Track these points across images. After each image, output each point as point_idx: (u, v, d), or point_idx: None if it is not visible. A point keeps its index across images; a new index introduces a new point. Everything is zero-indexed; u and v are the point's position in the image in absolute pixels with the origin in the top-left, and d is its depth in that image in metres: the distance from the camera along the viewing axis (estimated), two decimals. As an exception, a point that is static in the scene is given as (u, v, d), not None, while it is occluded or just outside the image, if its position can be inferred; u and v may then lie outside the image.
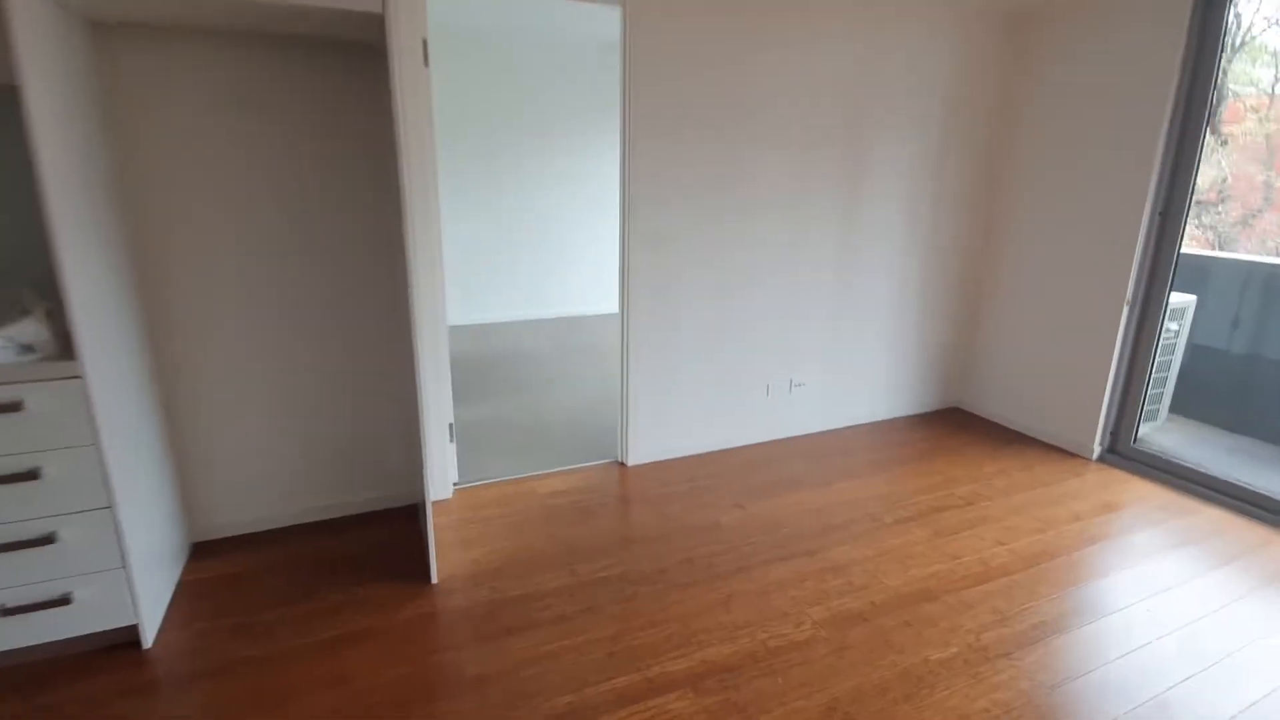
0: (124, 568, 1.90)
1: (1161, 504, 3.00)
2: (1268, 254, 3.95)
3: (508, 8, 4.97)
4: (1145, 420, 3.45)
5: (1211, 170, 3.81)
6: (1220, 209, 4.14)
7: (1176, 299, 3.55)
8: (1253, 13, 3.00)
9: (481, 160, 5.82)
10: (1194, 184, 3.12)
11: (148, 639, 1.97)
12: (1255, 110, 3.85)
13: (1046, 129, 3.50)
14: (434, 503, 2.84)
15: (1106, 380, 3.34)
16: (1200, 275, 3.98)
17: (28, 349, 1.75)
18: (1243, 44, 3.35)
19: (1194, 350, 3.94)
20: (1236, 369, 3.97)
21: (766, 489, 3.03)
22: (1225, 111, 3.70)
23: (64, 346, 1.77)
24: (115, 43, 2.10)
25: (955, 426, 3.83)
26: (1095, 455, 3.43)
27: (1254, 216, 4.13)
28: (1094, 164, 3.31)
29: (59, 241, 1.66)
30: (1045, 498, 3.01)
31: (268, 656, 1.95)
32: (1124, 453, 3.40)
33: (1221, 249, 4.13)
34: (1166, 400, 3.86)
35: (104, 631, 1.93)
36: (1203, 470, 3.12)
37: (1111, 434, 3.44)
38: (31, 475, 1.74)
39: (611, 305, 6.65)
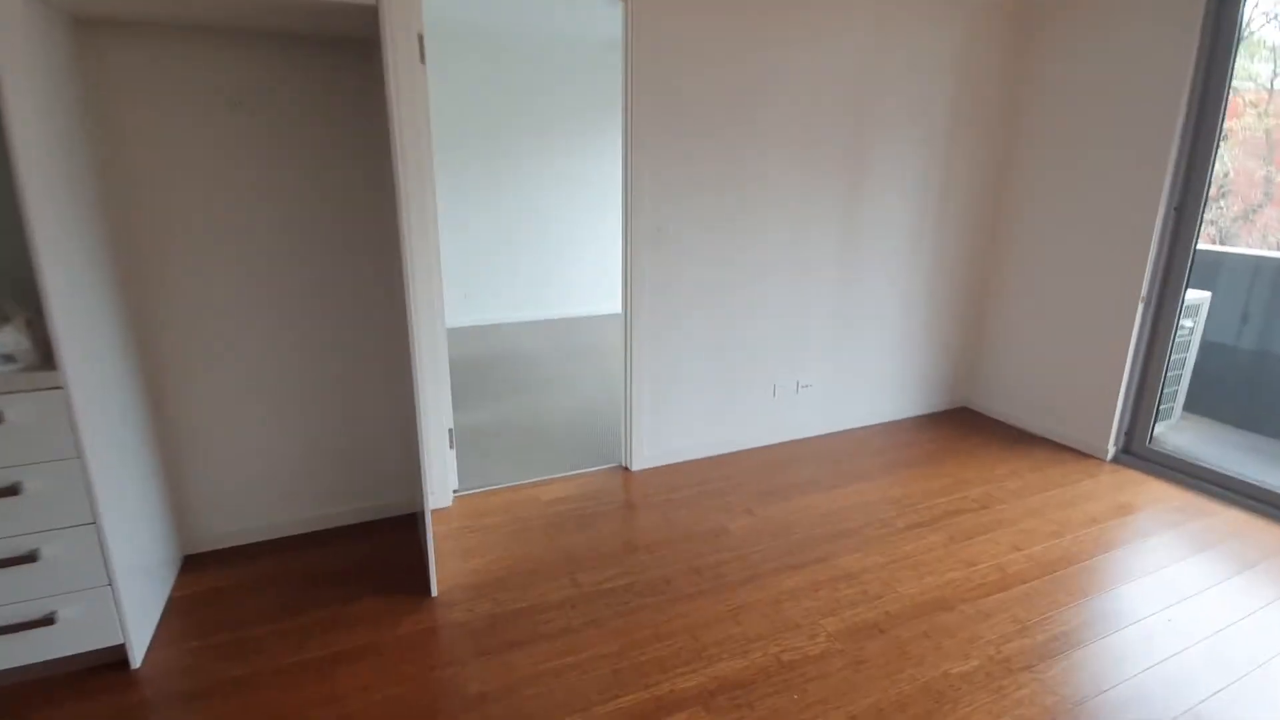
0: (110, 585, 1.82)
1: (1178, 505, 2.92)
2: (1269, 249, 3.89)
3: (507, 4, 4.90)
4: (1159, 419, 3.37)
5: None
6: (1221, 204, 4.09)
7: (1191, 295, 3.48)
8: (1251, 7, 2.95)
9: (481, 160, 5.74)
10: (1210, 179, 3.04)
11: (136, 659, 1.89)
12: (1254, 105, 3.80)
13: (1055, 124, 3.43)
14: (434, 511, 2.77)
15: (1121, 379, 3.26)
16: (1209, 271, 3.91)
17: (8, 359, 1.68)
18: (1241, 39, 3.30)
19: (1205, 347, 3.87)
20: (1247, 365, 3.90)
21: (775, 493, 2.95)
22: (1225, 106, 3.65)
23: (45, 356, 1.70)
24: (101, 39, 2.03)
25: (964, 427, 3.75)
26: (1109, 456, 3.35)
27: (1254, 211, 4.08)
28: (1105, 160, 3.23)
29: (39, 246, 1.59)
30: (1060, 500, 2.93)
31: (260, 675, 1.87)
32: (1139, 453, 3.33)
33: (1222, 244, 4.07)
34: (1181, 398, 3.79)
35: (90, 652, 1.85)
36: (1220, 470, 3.05)
37: (1126, 434, 3.36)
38: (12, 490, 1.67)
39: (612, 305, 6.58)
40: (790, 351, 3.42)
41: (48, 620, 1.76)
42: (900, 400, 3.84)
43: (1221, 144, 3.01)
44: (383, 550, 2.49)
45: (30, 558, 1.71)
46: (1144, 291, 3.16)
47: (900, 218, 3.51)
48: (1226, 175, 3.95)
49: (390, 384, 2.61)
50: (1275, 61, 3.63)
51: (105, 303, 1.97)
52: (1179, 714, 1.79)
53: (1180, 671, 1.95)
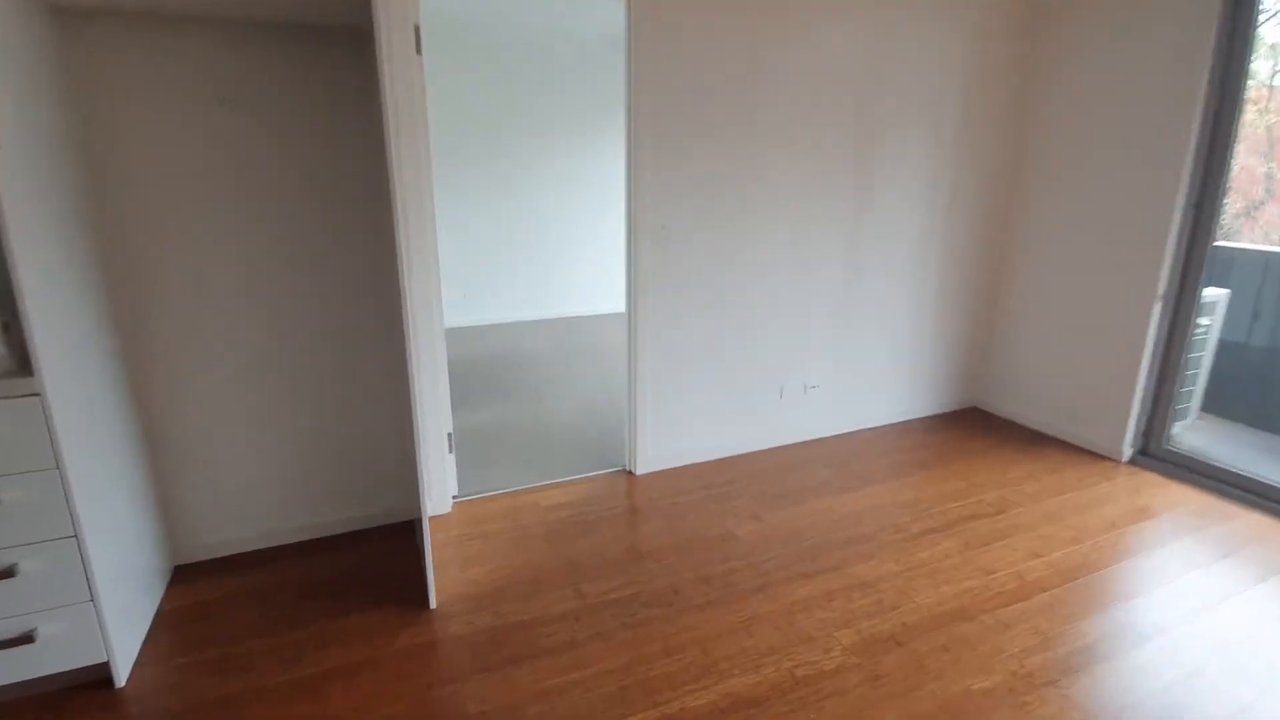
0: (92, 601, 1.74)
1: (1198, 509, 2.84)
2: (1271, 245, 3.81)
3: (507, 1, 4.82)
4: (1175, 419, 3.29)
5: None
6: (1223, 201, 4.04)
7: (1208, 293, 3.39)
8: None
9: (481, 158, 5.66)
10: (1227, 175, 2.96)
11: (120, 677, 1.81)
12: (1255, 103, 3.74)
13: (1067, 120, 3.34)
14: (433, 518, 2.69)
15: (1137, 379, 3.18)
16: (1221, 268, 3.82)
17: (-19, 364, 1.59)
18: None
19: (1220, 345, 3.78)
20: (1263, 364, 3.81)
21: (784, 497, 2.87)
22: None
23: (21, 361, 1.61)
24: (85, 31, 1.94)
25: (976, 428, 3.67)
26: (1126, 457, 3.27)
27: (1256, 208, 4.03)
28: (1119, 156, 3.14)
29: (14, 248, 1.50)
30: (1077, 504, 2.85)
31: (250, 694, 1.79)
32: (1156, 454, 3.24)
33: (1224, 241, 4.00)
34: (1197, 398, 3.70)
35: (72, 670, 1.77)
36: (1240, 472, 2.96)
37: (1143, 435, 3.28)
38: (-14, 503, 1.59)
39: (612, 305, 6.49)
40: (796, 352, 3.34)
41: (27, 638, 1.68)
42: (909, 400, 3.75)
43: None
44: (379, 559, 2.41)
45: (8, 573, 1.63)
46: (1161, 289, 3.08)
47: (909, 215, 3.42)
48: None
49: (387, 386, 2.53)
50: (1276, 58, 3.57)
51: (89, 304, 1.89)
52: (1213, 732, 1.71)
53: (1207, 684, 1.87)
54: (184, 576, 2.31)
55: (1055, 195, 3.44)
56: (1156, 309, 3.10)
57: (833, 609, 2.14)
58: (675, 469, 3.14)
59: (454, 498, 2.83)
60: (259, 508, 2.45)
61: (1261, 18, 2.81)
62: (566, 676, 1.85)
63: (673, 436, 3.13)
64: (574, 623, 2.08)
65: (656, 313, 2.96)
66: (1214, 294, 3.57)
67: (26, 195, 1.57)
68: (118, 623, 1.82)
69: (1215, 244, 3.03)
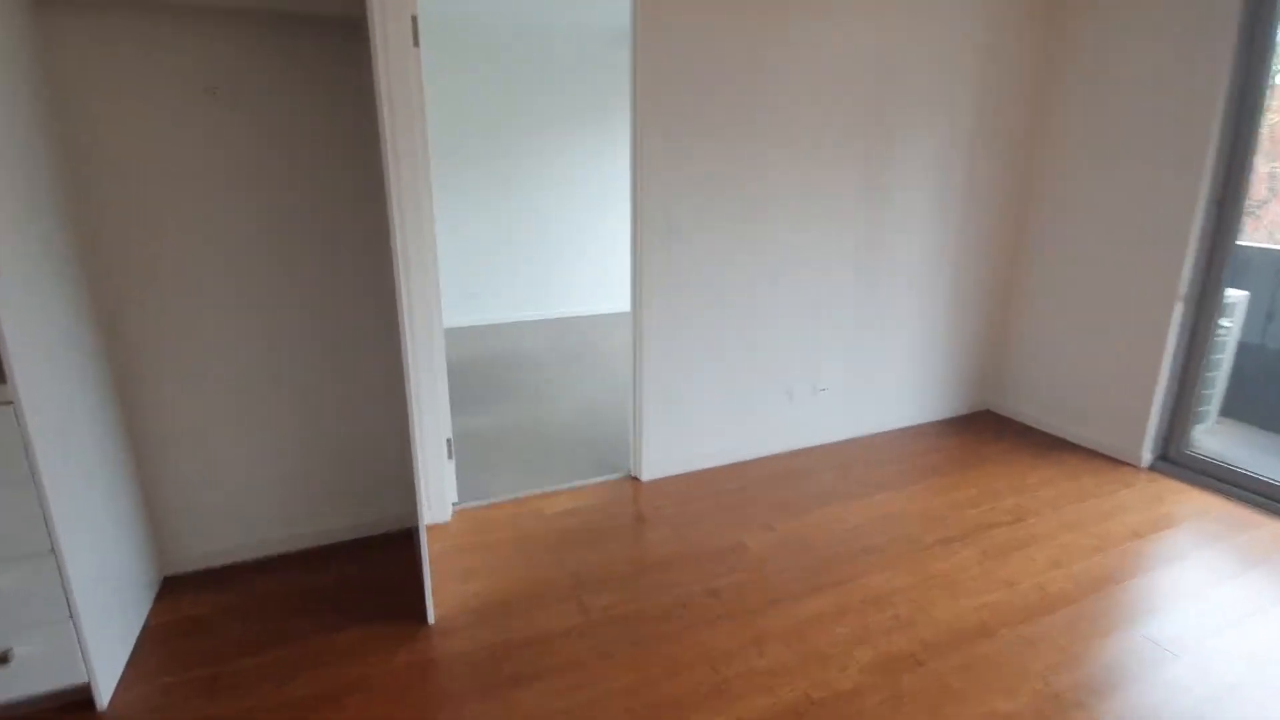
0: (71, 619, 1.65)
1: (1220, 517, 2.75)
2: (1277, 244, 3.73)
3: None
4: (1194, 424, 3.19)
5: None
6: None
7: (1227, 294, 3.29)
8: None
9: (481, 156, 5.56)
10: (1250, 172, 2.87)
11: (102, 699, 1.73)
12: None
13: (1085, 117, 3.24)
14: (432, 526, 2.60)
15: (1157, 382, 3.08)
16: (1239, 269, 3.72)
17: (-49, 371, 1.50)
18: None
19: (1238, 347, 3.69)
20: (1276, 366, 3.72)
21: (794, 505, 2.78)
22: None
23: (-6, 367, 1.53)
24: (65, 21, 1.85)
25: (989, 432, 3.57)
26: (1145, 463, 3.17)
27: (1260, 207, 3.96)
28: (1139, 152, 3.04)
29: (-18, 245, 1.41)
30: (1097, 512, 2.76)
31: (240, 716, 1.70)
32: (1176, 460, 3.15)
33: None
34: (1216, 402, 3.60)
35: (51, 692, 1.69)
36: (1264, 479, 2.87)
37: (1163, 440, 3.18)
38: (-44, 518, 1.50)
39: (615, 304, 6.40)
40: (807, 353, 3.24)
41: (1, 659, 1.59)
42: (921, 404, 3.66)
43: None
44: (377, 570, 2.32)
45: (-20, 592, 1.55)
46: (1183, 290, 2.98)
47: (921, 213, 3.33)
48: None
49: (385, 388, 2.44)
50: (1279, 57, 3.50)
51: (69, 308, 1.80)
52: (1254, 759, 1.62)
53: (1241, 702, 1.77)
54: (173, 588, 2.22)
55: (1072, 192, 3.34)
56: (1178, 310, 3.00)
57: (848, 625, 2.05)
58: (682, 475, 3.05)
59: (454, 505, 2.74)
60: (252, 516, 2.36)
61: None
62: (571, 699, 1.76)
63: (679, 441, 3.04)
64: (578, 639, 1.99)
65: (662, 313, 2.87)
66: (1234, 295, 3.47)
67: (-1, 192, 1.48)
68: (99, 641, 1.73)
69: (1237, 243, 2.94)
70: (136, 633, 2.00)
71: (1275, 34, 2.70)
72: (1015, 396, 3.75)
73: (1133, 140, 3.06)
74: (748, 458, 3.22)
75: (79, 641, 1.67)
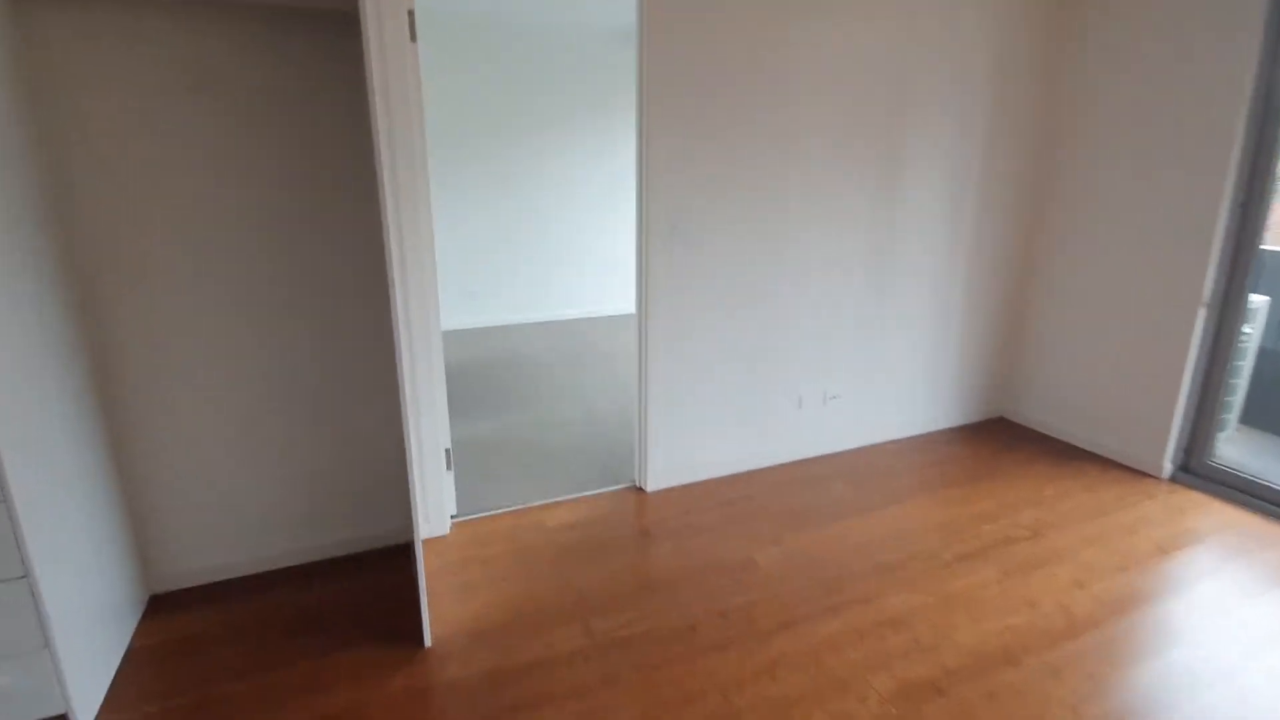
0: (48, 647, 1.56)
1: (1245, 530, 2.65)
2: None
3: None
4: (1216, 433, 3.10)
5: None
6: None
7: (1250, 299, 3.20)
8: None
9: (481, 155, 5.47)
10: (1275, 171, 2.76)
11: (80, 730, 1.64)
12: None
13: (1104, 115, 3.14)
14: (431, 540, 2.51)
15: (1179, 390, 2.98)
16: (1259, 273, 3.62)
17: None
18: None
19: (1258, 353, 3.59)
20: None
21: (805, 518, 2.68)
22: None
23: (-38, 381, 1.43)
24: (43, 13, 1.75)
25: (1003, 440, 3.48)
26: (1166, 474, 3.08)
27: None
28: (1161, 153, 2.94)
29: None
30: (1119, 526, 2.66)
31: (225, 750, 1.62)
32: (1198, 471, 3.05)
33: None
34: (1236, 410, 3.51)
35: (25, 724, 1.59)
36: (1293, 492, 2.77)
37: (1184, 450, 3.08)
38: (-79, 543, 1.41)
39: (618, 306, 6.31)
40: (816, 359, 3.15)
41: (-28, 691, 1.51)
42: (933, 411, 3.56)
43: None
44: (373, 588, 2.23)
45: (-52, 620, 1.46)
46: (1206, 295, 2.88)
47: (935, 216, 3.23)
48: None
49: (380, 398, 2.35)
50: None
51: (44, 313, 1.70)
52: (1301, 800, 1.53)
53: (1290, 741, 1.68)
54: (160, 607, 2.13)
55: (1090, 194, 3.24)
56: (1201, 316, 2.91)
57: (864, 649, 1.96)
58: (688, 485, 2.96)
59: (452, 518, 2.65)
60: (243, 530, 2.27)
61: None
62: (574, 730, 1.67)
63: (685, 449, 2.95)
64: (582, 664, 1.89)
65: (668, 318, 2.77)
66: (1255, 300, 3.37)
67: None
68: (79, 669, 1.65)
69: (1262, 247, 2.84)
70: (120, 656, 1.91)
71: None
72: (1030, 404, 3.65)
73: (1154, 141, 2.96)
74: (756, 467, 3.12)
75: (56, 671, 1.58)
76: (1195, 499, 2.90)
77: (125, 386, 2.03)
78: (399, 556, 2.40)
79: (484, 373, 4.55)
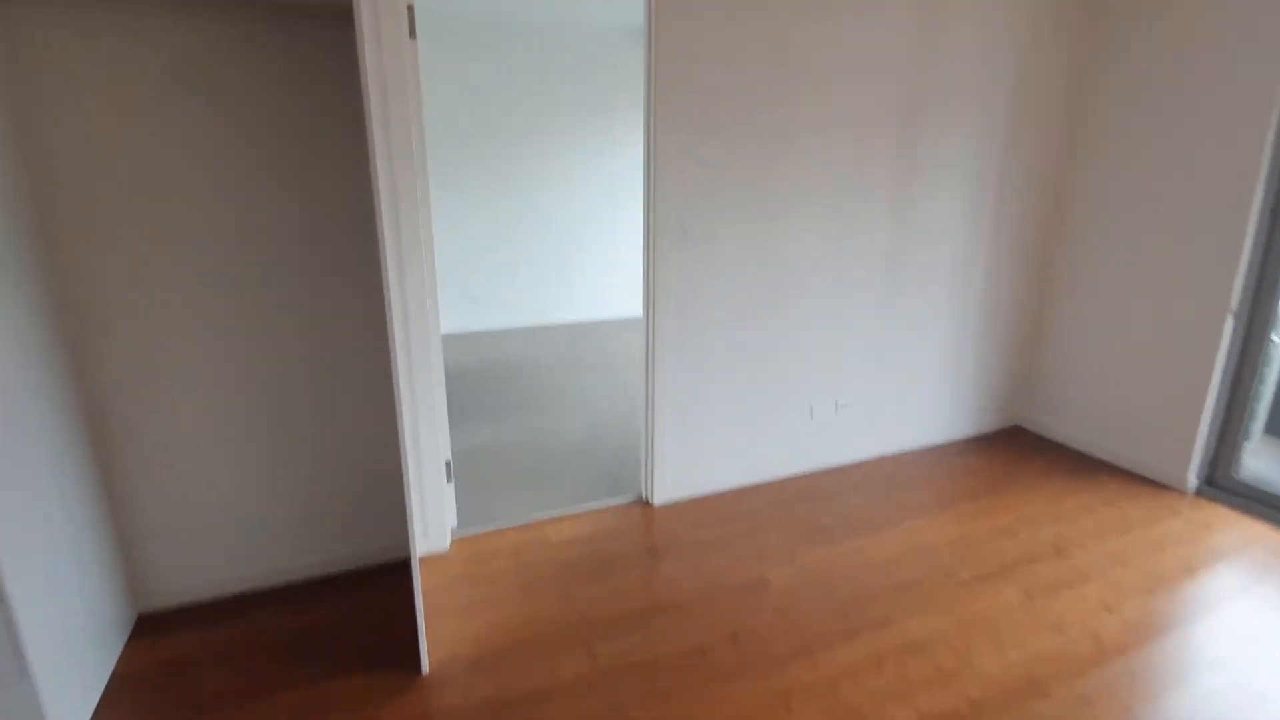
0: (25, 676, 1.48)
1: (1275, 547, 2.55)
2: None
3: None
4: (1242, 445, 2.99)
5: None
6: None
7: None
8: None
9: (482, 154, 5.39)
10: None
11: (58, 764, 1.55)
12: None
13: (1128, 118, 3.03)
14: (431, 557, 2.42)
15: (1205, 401, 2.88)
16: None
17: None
18: None
19: None
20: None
21: (818, 533, 2.59)
22: None
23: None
24: (14, 11, 1.67)
25: (1021, 451, 3.37)
26: (1190, 487, 2.97)
27: None
28: (1188, 157, 2.84)
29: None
30: (1145, 543, 2.56)
31: (211, 786, 1.53)
32: (1224, 485, 2.94)
33: None
34: (1260, 421, 3.39)
35: (0, 759, 1.51)
36: (1326, 508, 2.67)
37: (1209, 463, 2.98)
38: (-113, 570, 1.33)
39: (622, 309, 6.22)
40: (829, 367, 3.05)
41: (-57, 725, 1.43)
42: (948, 420, 3.46)
43: None
44: (369, 608, 2.14)
45: (-84, 651, 1.37)
46: (1234, 302, 2.78)
47: (953, 217, 3.13)
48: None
49: (378, 406, 2.26)
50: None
51: (21, 321, 1.62)
52: None
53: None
54: (148, 628, 2.05)
55: (1115, 196, 3.14)
56: (1229, 324, 2.80)
57: (884, 677, 1.86)
58: (696, 498, 2.87)
59: (453, 532, 2.56)
60: (234, 547, 2.19)
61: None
62: (579, 766, 1.59)
63: (693, 461, 2.86)
64: (586, 692, 1.80)
65: (676, 324, 2.68)
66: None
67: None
68: (60, 698, 1.56)
69: None
70: (105, 681, 1.83)
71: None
72: (1047, 413, 3.55)
73: (1182, 142, 2.86)
74: (766, 479, 3.03)
75: (36, 701, 1.49)
76: (1221, 514, 2.80)
77: (113, 404, 1.94)
78: (397, 574, 2.32)
79: (484, 378, 4.46)
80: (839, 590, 2.24)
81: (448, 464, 2.49)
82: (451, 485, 2.54)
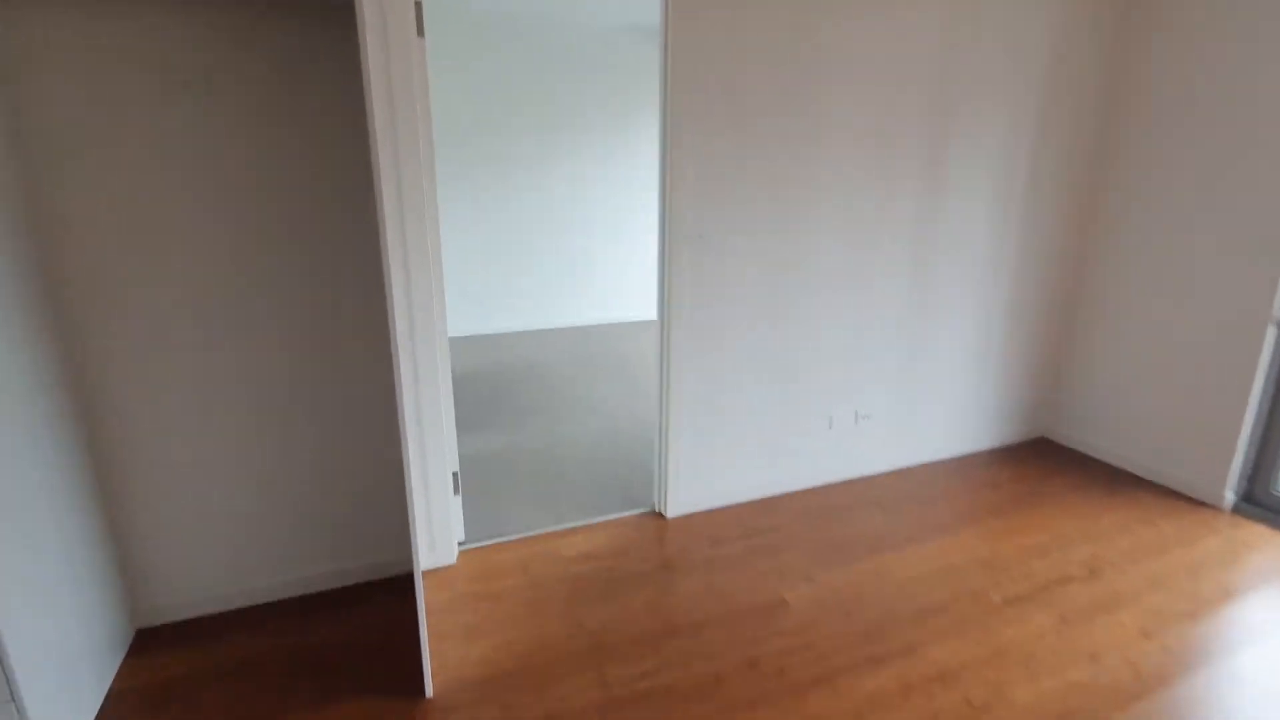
0: (13, 702, 1.42)
1: (1323, 570, 2.42)
2: None
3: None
4: (1284, 460, 2.87)
5: None
6: None
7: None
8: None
9: (492, 154, 5.32)
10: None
11: (45, 795, 1.49)
12: None
13: (1165, 119, 2.91)
14: (438, 570, 2.35)
15: (1244, 413, 2.75)
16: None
17: None
18: None
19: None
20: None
21: (838, 550, 2.49)
22: None
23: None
24: (15, 10, 1.61)
25: (1048, 463, 3.26)
26: (1228, 504, 2.84)
27: None
28: (1232, 159, 2.71)
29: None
30: (1183, 564, 2.44)
31: (203, 820, 1.46)
32: (1263, 501, 2.81)
33: None
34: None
35: (-16, 789, 1.45)
36: (1376, 529, 2.54)
37: (1248, 479, 2.85)
38: None
39: (636, 311, 6.14)
40: (849, 376, 2.95)
41: (-77, 755, 1.36)
42: (972, 431, 3.35)
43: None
44: (373, 624, 2.06)
45: (-105, 679, 1.31)
46: (1278, 311, 2.65)
47: (978, 220, 3.01)
48: None
49: (383, 414, 2.19)
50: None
51: (14, 331, 1.56)
52: None
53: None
54: (146, 644, 1.98)
55: (1151, 198, 3.01)
56: (1271, 334, 2.68)
57: (912, 710, 1.76)
58: (712, 511, 2.78)
59: (460, 545, 2.49)
60: (235, 561, 2.12)
61: None
62: (589, 805, 1.50)
63: (708, 472, 2.77)
64: (598, 721, 1.72)
65: (692, 331, 2.59)
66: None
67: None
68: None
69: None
70: (100, 700, 1.77)
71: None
72: (1076, 424, 3.43)
73: (1223, 143, 2.74)
74: (784, 491, 2.93)
75: (19, 728, 1.43)
76: (1260, 533, 2.67)
77: (111, 413, 1.88)
78: (403, 588, 2.24)
79: (493, 382, 4.39)
80: (862, 613, 2.14)
81: (455, 475, 2.41)
82: (459, 497, 2.47)
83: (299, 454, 2.11)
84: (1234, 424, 2.79)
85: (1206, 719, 1.75)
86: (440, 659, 1.92)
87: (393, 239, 2.03)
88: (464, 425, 3.53)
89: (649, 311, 6.12)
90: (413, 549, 1.69)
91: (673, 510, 2.73)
